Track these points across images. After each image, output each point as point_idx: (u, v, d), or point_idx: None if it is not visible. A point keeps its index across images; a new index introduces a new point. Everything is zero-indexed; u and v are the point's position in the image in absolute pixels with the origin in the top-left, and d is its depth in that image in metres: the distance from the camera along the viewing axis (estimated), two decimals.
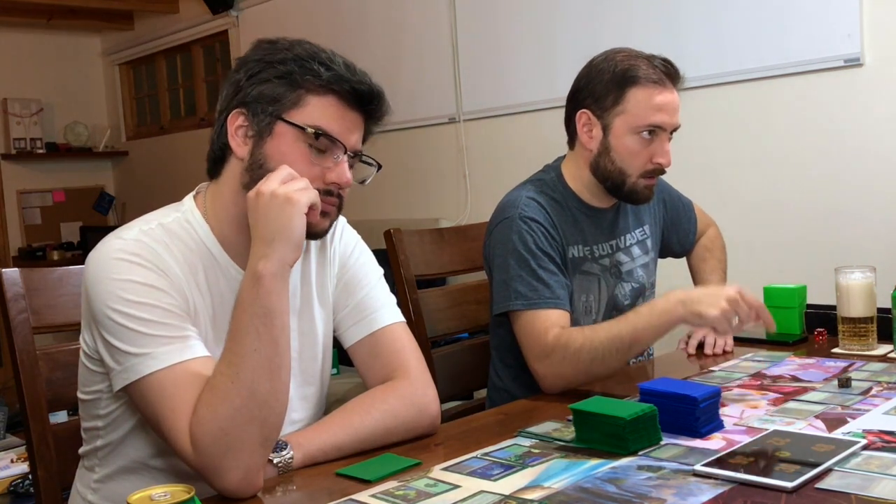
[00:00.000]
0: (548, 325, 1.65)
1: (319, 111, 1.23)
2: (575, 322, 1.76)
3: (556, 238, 1.76)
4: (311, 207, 1.19)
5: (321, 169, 1.24)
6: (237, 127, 1.24)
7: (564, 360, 1.61)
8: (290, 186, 1.17)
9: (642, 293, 1.91)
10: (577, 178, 1.83)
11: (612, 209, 1.88)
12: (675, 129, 1.77)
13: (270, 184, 1.17)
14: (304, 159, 1.23)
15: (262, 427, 1.14)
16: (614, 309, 1.85)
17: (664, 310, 1.54)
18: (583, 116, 1.78)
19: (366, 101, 1.27)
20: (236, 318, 1.17)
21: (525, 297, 1.68)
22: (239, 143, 1.24)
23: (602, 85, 1.74)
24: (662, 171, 1.78)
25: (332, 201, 1.26)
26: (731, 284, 1.53)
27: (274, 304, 1.16)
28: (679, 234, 2.07)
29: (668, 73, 1.73)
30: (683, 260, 2.16)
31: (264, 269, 1.16)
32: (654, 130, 1.73)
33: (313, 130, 1.22)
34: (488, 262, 1.81)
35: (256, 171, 1.23)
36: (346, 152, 1.26)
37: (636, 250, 1.93)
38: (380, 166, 1.33)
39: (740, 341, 1.93)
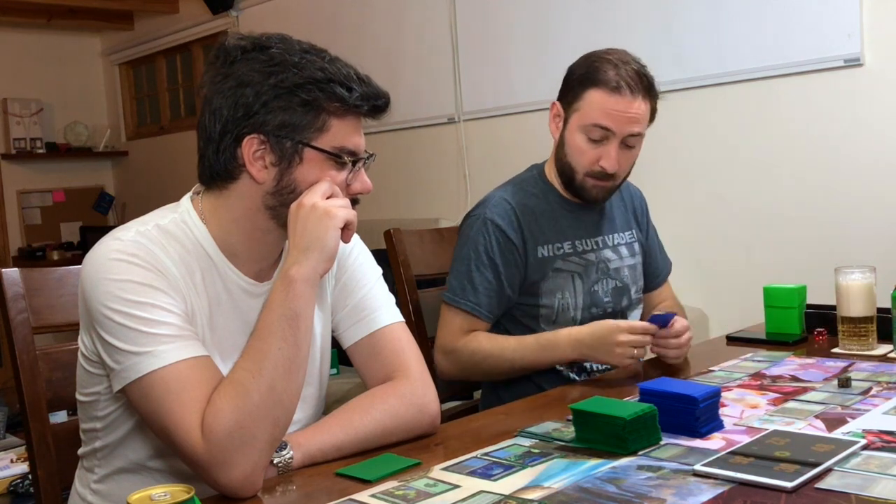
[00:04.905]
0: (462, 326, 1.79)
1: (342, 132, 1.25)
2: (556, 320, 1.82)
3: (515, 245, 1.81)
4: (347, 226, 1.24)
5: (343, 181, 1.27)
6: (254, 151, 1.23)
7: (464, 362, 1.78)
8: (331, 202, 1.23)
9: (626, 293, 1.92)
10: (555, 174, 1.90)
11: (597, 208, 1.90)
12: (631, 137, 1.77)
13: (313, 196, 1.22)
14: (332, 178, 1.26)
15: (274, 426, 1.16)
16: (594, 306, 1.87)
17: (556, 348, 1.72)
18: (554, 107, 1.86)
19: (378, 112, 1.29)
20: (264, 318, 1.20)
21: (454, 291, 1.81)
22: (259, 169, 1.24)
23: (572, 80, 1.82)
24: (609, 175, 1.80)
25: (355, 209, 1.29)
26: (615, 322, 1.67)
27: (301, 308, 1.20)
28: (648, 266, 2.05)
29: (631, 83, 1.75)
30: (679, 263, 2.15)
31: (297, 274, 1.20)
32: (604, 134, 1.76)
33: (350, 159, 1.26)
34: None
35: (287, 195, 1.25)
36: (364, 162, 1.29)
37: (624, 251, 1.95)
38: (374, 155, 1.34)
39: (740, 341, 1.93)
